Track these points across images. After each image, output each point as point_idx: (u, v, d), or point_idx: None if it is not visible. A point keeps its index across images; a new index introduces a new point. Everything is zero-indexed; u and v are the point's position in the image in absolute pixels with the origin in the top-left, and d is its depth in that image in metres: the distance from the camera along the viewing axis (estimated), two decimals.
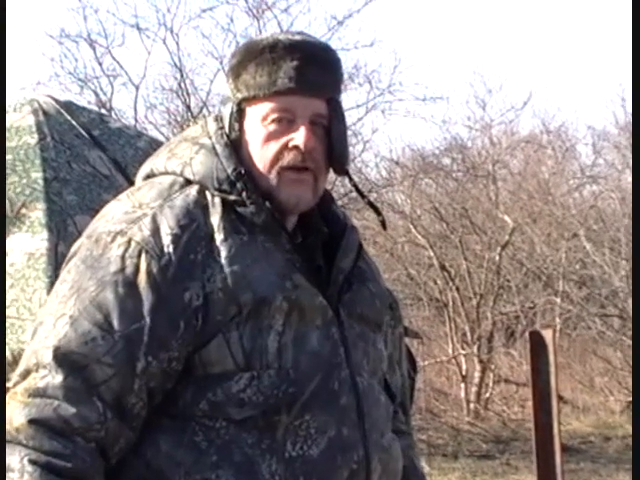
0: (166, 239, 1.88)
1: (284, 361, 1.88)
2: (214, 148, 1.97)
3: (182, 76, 12.79)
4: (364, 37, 13.84)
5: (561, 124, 15.80)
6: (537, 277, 13.82)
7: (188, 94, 12.81)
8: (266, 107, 1.95)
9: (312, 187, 1.97)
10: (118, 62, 12.69)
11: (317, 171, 1.96)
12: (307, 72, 1.94)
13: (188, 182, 1.96)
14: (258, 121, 1.95)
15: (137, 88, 12.73)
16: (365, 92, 13.11)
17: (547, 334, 5.07)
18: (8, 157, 3.15)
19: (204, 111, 12.83)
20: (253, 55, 1.96)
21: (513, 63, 26.05)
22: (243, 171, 1.93)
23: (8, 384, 1.92)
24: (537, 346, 5.03)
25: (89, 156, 3.24)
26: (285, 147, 1.94)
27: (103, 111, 11.55)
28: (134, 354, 1.84)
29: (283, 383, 1.88)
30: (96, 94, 12.68)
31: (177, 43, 12.71)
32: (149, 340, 1.84)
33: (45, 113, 3.29)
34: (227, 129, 1.98)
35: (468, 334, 13.00)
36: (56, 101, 3.38)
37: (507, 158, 14.98)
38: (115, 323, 1.84)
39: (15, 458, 1.80)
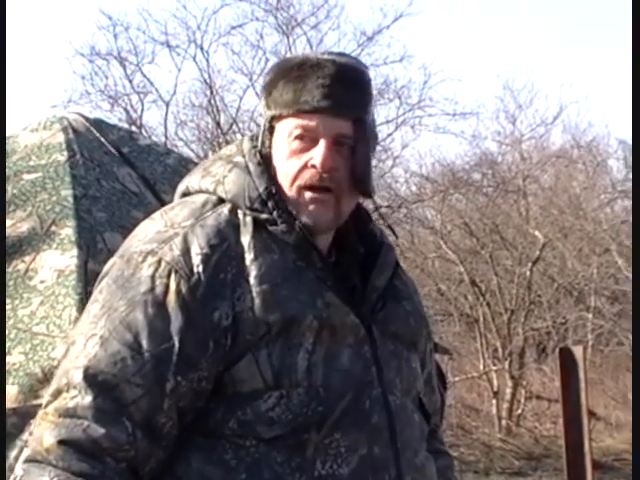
0: (196, 259, 1.87)
1: (314, 379, 1.87)
2: (247, 167, 1.96)
3: (212, 93, 12.86)
4: (394, 53, 13.79)
5: (592, 139, 15.72)
6: (569, 292, 13.76)
7: (218, 111, 12.87)
8: (290, 124, 1.94)
9: (333, 208, 1.95)
10: (148, 79, 12.79)
11: (339, 191, 1.94)
12: (333, 91, 1.93)
13: (221, 200, 1.96)
14: (284, 138, 1.95)
15: (167, 105, 12.81)
16: (395, 107, 13.14)
17: (577, 351, 5.04)
18: (38, 174, 3.17)
19: (234, 127, 12.88)
20: (283, 73, 1.97)
21: (543, 78, 26.00)
22: (274, 190, 1.93)
23: (38, 401, 1.93)
24: (567, 363, 5.00)
25: (118, 173, 3.25)
26: (305, 166, 1.93)
27: (133, 128, 11.61)
28: (163, 374, 1.83)
29: (312, 401, 1.86)
30: (126, 111, 12.77)
31: (207, 60, 12.81)
32: (178, 360, 1.84)
33: (75, 131, 3.30)
34: (259, 146, 1.99)
35: (499, 350, 12.95)
36: (86, 119, 3.40)
37: (538, 173, 14.92)
38: (144, 343, 1.84)
39: (45, 479, 1.80)
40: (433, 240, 13.76)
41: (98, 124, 3.43)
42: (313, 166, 1.92)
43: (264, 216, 1.92)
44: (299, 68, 1.95)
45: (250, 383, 1.86)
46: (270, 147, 1.97)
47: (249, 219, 1.93)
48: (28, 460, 1.84)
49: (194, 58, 12.74)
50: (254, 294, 1.86)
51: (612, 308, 13.39)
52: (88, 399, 1.82)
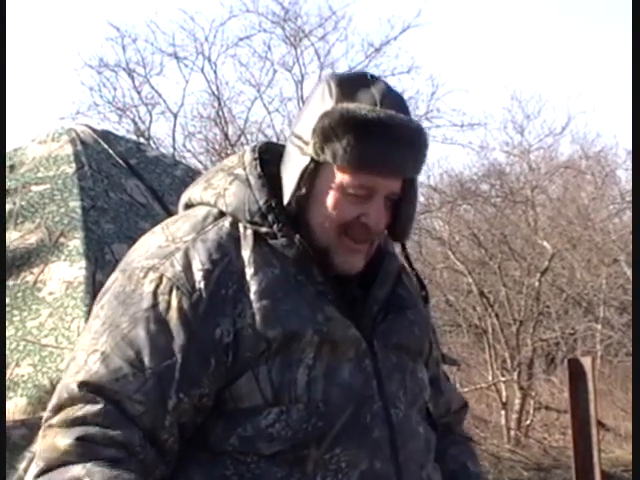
0: (197, 275, 1.87)
1: (313, 395, 1.86)
2: (247, 179, 1.95)
3: (220, 104, 12.88)
4: (401, 64, 13.83)
5: (600, 149, 15.70)
6: (577, 303, 13.73)
7: (226, 122, 12.89)
8: (348, 179, 1.91)
9: (366, 253, 1.96)
10: (156, 91, 12.81)
11: (375, 239, 1.96)
12: (396, 154, 1.91)
13: (222, 213, 1.95)
14: (337, 186, 1.92)
15: (175, 116, 12.83)
16: None
17: (586, 362, 5.03)
18: (46, 186, 3.18)
19: (242, 139, 12.89)
20: (347, 125, 1.90)
21: (551, 88, 26.01)
22: (274, 203, 1.92)
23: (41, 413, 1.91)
24: (576, 374, 4.99)
25: (126, 185, 3.26)
26: (356, 220, 1.92)
27: (141, 140, 11.63)
28: (165, 391, 1.83)
29: (312, 417, 1.85)
30: (134, 123, 12.79)
31: (215, 71, 12.82)
32: (180, 377, 1.83)
33: (83, 142, 3.31)
34: (296, 183, 1.93)
35: (508, 361, 12.92)
36: (94, 130, 3.41)
37: (546, 184, 14.91)
38: (146, 360, 1.83)
39: (77, 468, 1.76)
40: (441, 251, 13.73)
41: (106, 136, 3.44)
42: (366, 224, 1.92)
43: (264, 229, 1.91)
44: (365, 124, 1.89)
45: (249, 400, 1.85)
46: (311, 186, 1.93)
47: (249, 232, 1.92)
48: (42, 472, 1.80)
49: (202, 70, 12.77)
50: (254, 310, 1.86)
51: (621, 319, 13.35)
52: (97, 407, 1.81)
